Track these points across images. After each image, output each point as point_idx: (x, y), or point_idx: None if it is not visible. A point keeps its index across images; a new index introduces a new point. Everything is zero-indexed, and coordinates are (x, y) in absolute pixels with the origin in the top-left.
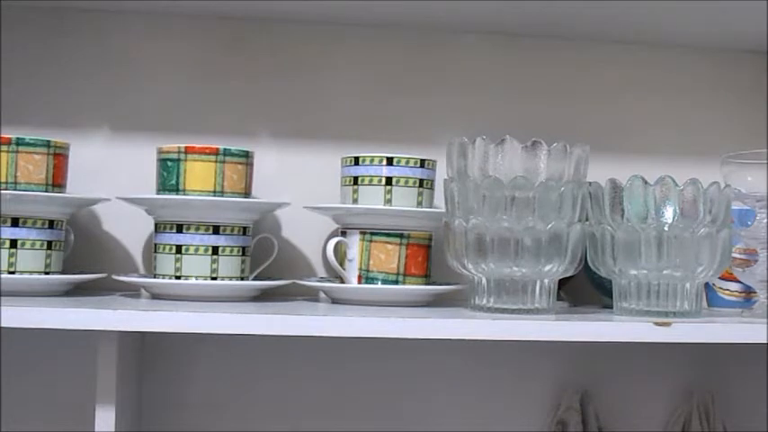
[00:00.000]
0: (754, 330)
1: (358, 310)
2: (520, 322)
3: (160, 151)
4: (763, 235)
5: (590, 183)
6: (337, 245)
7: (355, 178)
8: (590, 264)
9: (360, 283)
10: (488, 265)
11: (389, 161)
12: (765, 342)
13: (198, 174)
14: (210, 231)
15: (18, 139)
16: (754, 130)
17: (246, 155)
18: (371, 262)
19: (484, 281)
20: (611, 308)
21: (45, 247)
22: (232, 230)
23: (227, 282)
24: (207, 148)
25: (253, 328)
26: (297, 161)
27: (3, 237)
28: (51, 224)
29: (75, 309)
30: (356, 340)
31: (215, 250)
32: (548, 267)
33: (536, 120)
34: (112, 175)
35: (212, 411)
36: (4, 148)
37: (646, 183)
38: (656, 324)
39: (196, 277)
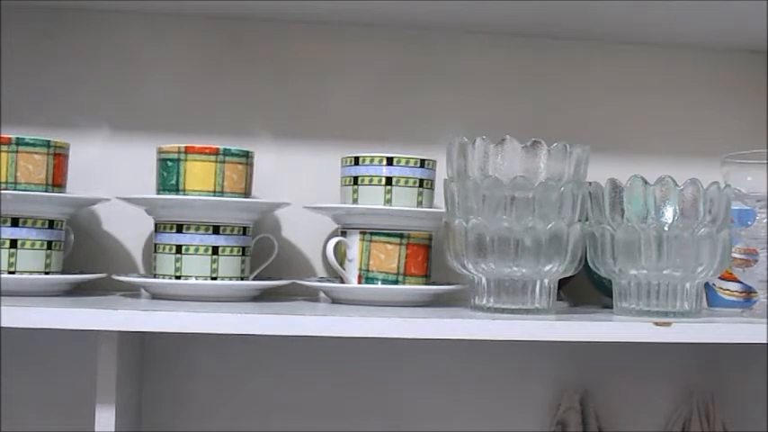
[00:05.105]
0: (754, 330)
1: (358, 310)
2: (520, 322)
3: (160, 151)
4: (763, 235)
5: (590, 183)
6: (337, 245)
7: (355, 178)
8: (590, 264)
9: (360, 283)
10: (488, 265)
11: (389, 161)
12: (765, 342)
13: (198, 174)
14: (210, 231)
15: (18, 139)
16: (754, 130)
17: (246, 155)
18: (371, 262)
19: (484, 281)
20: (611, 308)
21: (45, 247)
22: (232, 230)
23: (227, 282)
24: (207, 148)
25: (253, 328)
26: (297, 161)
27: (3, 237)
28: (51, 224)
29: (76, 309)
30: (356, 340)
31: (215, 250)
32: (548, 267)
33: (536, 120)
34: (112, 175)
35: (212, 411)
36: (4, 148)
37: (646, 183)
38: (656, 324)
39: (196, 277)
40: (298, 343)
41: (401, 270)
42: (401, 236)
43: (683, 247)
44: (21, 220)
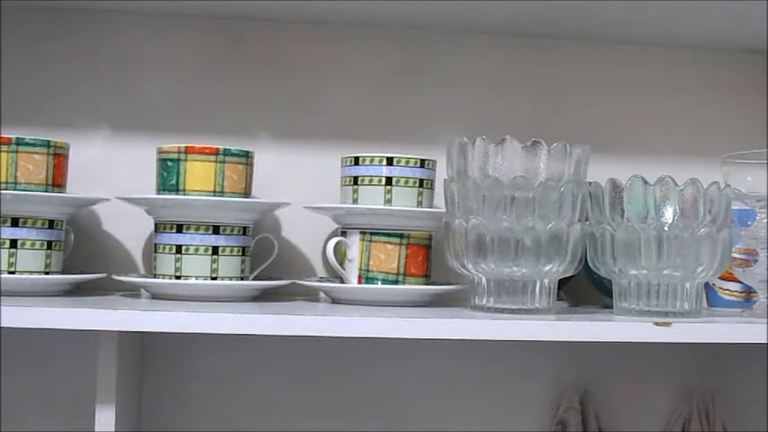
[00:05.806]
0: (754, 330)
1: (358, 310)
2: (520, 322)
3: (160, 151)
4: (763, 235)
5: (590, 183)
6: (337, 245)
7: (355, 178)
8: (590, 264)
9: (360, 283)
10: (488, 265)
11: (389, 161)
12: (765, 342)
13: (198, 174)
14: (210, 231)
15: (18, 139)
16: (754, 130)
17: (246, 155)
18: (371, 262)
19: (484, 281)
20: (611, 308)
21: (45, 247)
22: (232, 230)
23: (227, 282)
24: (207, 148)
25: (253, 328)
26: (297, 161)
27: (3, 237)
28: (51, 224)
29: (76, 309)
30: (356, 340)
31: (215, 250)
32: (548, 267)
33: (536, 120)
34: (112, 175)
35: (212, 411)
36: (4, 148)
37: (646, 183)
38: (656, 324)
39: (196, 277)
40: (298, 343)
41: (401, 270)
42: (401, 236)
43: (683, 247)
44: (21, 220)
